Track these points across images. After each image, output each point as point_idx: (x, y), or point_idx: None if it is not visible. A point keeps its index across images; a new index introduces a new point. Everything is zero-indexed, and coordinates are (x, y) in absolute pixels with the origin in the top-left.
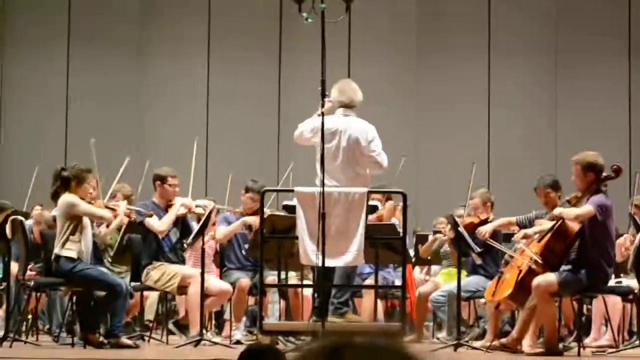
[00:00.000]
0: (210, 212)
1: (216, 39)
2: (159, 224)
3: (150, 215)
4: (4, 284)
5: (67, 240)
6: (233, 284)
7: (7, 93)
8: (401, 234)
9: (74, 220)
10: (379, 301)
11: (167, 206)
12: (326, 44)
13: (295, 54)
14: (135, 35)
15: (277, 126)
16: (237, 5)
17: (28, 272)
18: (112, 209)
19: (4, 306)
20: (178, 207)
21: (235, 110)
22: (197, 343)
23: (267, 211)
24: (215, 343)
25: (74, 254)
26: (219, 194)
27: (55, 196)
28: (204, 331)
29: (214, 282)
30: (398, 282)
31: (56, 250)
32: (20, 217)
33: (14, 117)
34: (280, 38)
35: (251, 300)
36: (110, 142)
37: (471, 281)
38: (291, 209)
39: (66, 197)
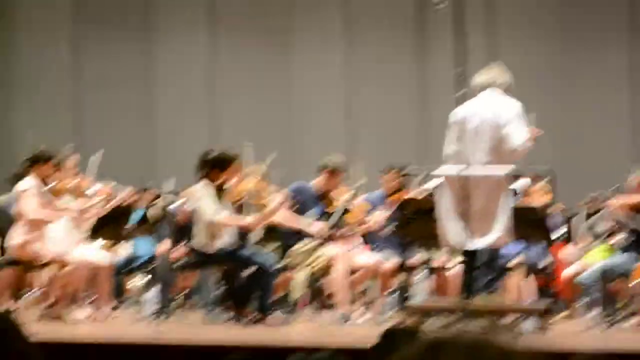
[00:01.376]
0: (346, 208)
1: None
2: (280, 216)
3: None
4: (155, 262)
5: (205, 230)
6: (380, 263)
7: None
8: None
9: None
10: (527, 280)
11: (324, 195)
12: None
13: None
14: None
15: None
16: None
17: (177, 252)
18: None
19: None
20: (301, 228)
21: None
22: (344, 321)
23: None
24: (362, 322)
25: (212, 249)
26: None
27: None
28: (351, 309)
29: (360, 257)
30: (545, 262)
31: (195, 244)
32: (167, 199)
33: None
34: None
35: (399, 279)
36: None
37: (622, 259)
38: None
39: (198, 187)
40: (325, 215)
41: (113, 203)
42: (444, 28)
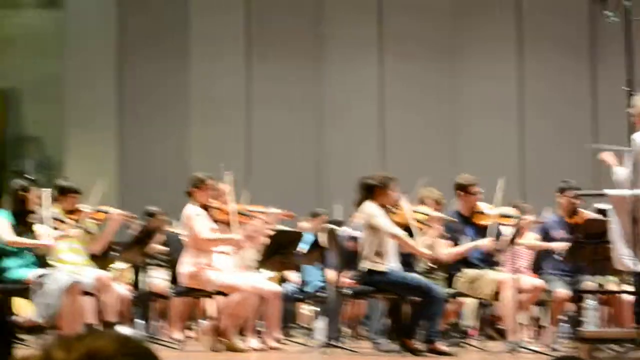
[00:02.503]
0: (519, 222)
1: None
2: (445, 253)
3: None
4: (324, 291)
5: (373, 253)
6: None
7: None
8: None
9: (375, 231)
10: None
11: (472, 215)
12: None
13: None
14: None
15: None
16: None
17: (345, 280)
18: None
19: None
20: (472, 246)
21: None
22: (513, 349)
23: (585, 214)
24: (533, 350)
25: (383, 268)
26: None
27: (359, 205)
28: (521, 337)
29: (526, 280)
30: None
31: (365, 265)
32: (334, 226)
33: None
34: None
35: (570, 306)
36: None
37: None
38: (605, 212)
39: (366, 206)
40: (480, 234)
41: (279, 228)
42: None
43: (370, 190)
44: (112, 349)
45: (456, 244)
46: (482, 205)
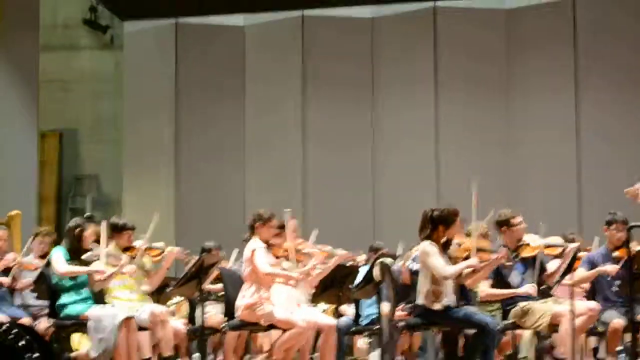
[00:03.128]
0: (577, 250)
1: None
2: (485, 293)
3: (507, 266)
4: (378, 324)
5: (428, 291)
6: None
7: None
8: None
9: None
10: None
11: (517, 247)
12: None
13: None
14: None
15: None
16: None
17: (399, 313)
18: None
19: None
20: (512, 294)
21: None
22: None
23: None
24: None
25: (437, 307)
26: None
27: (423, 239)
28: None
29: (580, 305)
30: None
31: (419, 301)
32: (387, 260)
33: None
34: None
35: (627, 338)
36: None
37: None
38: None
39: (422, 245)
40: (528, 267)
41: (332, 263)
42: None
43: (433, 224)
44: None
45: (500, 281)
46: (527, 237)
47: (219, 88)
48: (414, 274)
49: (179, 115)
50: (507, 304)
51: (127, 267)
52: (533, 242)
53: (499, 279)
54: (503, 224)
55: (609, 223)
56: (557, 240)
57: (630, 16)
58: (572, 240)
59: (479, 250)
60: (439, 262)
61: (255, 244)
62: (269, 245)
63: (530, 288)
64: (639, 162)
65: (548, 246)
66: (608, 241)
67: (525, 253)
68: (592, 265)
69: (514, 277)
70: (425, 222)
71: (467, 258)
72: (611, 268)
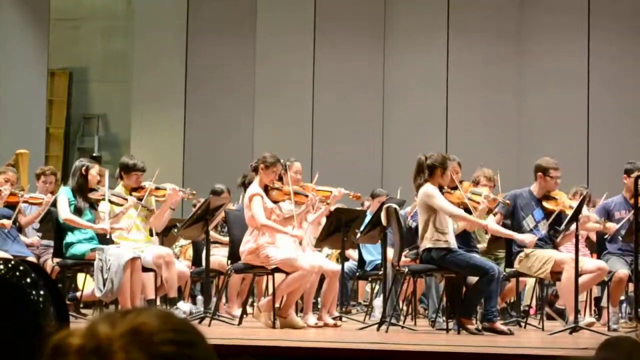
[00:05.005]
0: (583, 198)
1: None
2: (492, 227)
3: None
4: (382, 270)
5: (434, 231)
6: (611, 271)
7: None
8: None
9: (433, 212)
10: None
11: (543, 197)
12: None
13: None
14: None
15: None
16: None
17: (403, 259)
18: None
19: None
20: (512, 237)
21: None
22: (572, 330)
23: None
24: (592, 330)
25: (444, 245)
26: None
27: (418, 183)
28: (581, 317)
29: (588, 262)
30: None
31: (425, 244)
32: (394, 205)
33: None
34: None
35: (631, 287)
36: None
37: None
38: None
39: (425, 188)
40: (546, 218)
41: (332, 199)
42: None
43: (429, 170)
44: (155, 325)
45: (514, 220)
46: (557, 192)
47: (230, 30)
48: (415, 230)
49: (189, 56)
50: (515, 249)
51: (131, 209)
52: (561, 198)
53: (513, 218)
54: (541, 170)
55: (628, 172)
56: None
57: None
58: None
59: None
60: (445, 202)
61: (254, 189)
62: (271, 189)
63: (527, 237)
64: None
65: (570, 207)
66: (626, 189)
67: (549, 205)
68: (606, 213)
69: (529, 221)
70: (420, 168)
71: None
72: (610, 227)
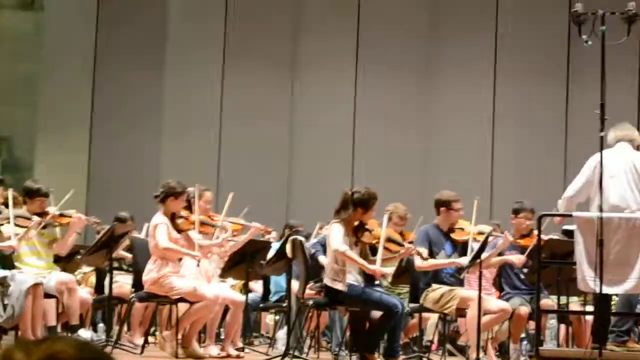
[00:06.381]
0: (487, 236)
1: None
2: (422, 266)
3: (424, 258)
4: (286, 302)
5: (333, 270)
6: (513, 309)
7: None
8: None
9: None
10: None
11: (450, 230)
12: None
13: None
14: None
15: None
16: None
17: (308, 291)
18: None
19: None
20: (448, 263)
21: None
22: None
23: (544, 236)
24: None
25: (340, 287)
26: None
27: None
28: (482, 354)
29: (493, 302)
30: None
31: (326, 281)
32: (300, 238)
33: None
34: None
35: (531, 324)
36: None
37: None
38: (571, 234)
39: (331, 224)
40: (455, 251)
41: (244, 239)
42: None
43: (354, 206)
44: (71, 353)
45: (432, 256)
46: (462, 222)
47: (139, 55)
48: (311, 257)
49: (97, 81)
50: (423, 285)
51: (33, 231)
52: (467, 227)
53: (429, 255)
54: (443, 205)
55: (516, 211)
56: (488, 228)
57: (548, 4)
58: (501, 231)
59: (389, 240)
60: (337, 237)
61: (159, 219)
62: (177, 218)
63: (462, 259)
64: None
65: (479, 233)
66: (515, 229)
67: (458, 236)
68: (499, 253)
69: (441, 256)
70: (345, 202)
71: (374, 245)
72: (517, 259)
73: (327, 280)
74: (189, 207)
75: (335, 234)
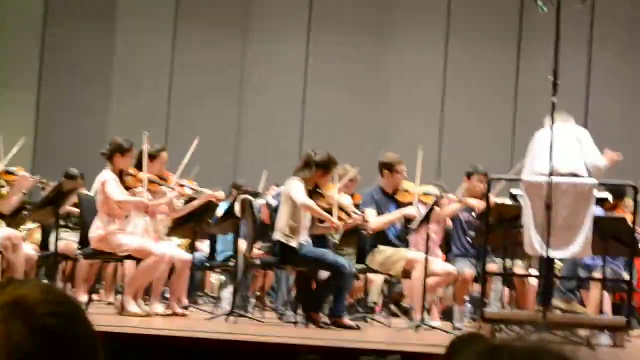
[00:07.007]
0: (436, 200)
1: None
2: (374, 222)
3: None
4: (233, 260)
5: (287, 226)
6: (458, 272)
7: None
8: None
9: (293, 204)
10: (606, 294)
11: (395, 192)
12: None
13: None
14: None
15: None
16: None
17: (256, 251)
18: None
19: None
20: (399, 215)
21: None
22: (417, 327)
23: (494, 199)
24: (436, 328)
25: (294, 244)
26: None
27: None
28: (426, 316)
29: (438, 264)
30: (626, 276)
31: (277, 236)
32: (249, 197)
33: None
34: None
35: (476, 287)
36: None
37: None
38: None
39: (290, 180)
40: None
41: (193, 204)
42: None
43: (311, 167)
44: (36, 297)
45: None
46: (406, 184)
47: (89, 13)
48: (274, 210)
49: (46, 38)
50: (368, 246)
51: None
52: (411, 188)
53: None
54: (387, 167)
55: (469, 174)
56: (434, 190)
57: None
58: (445, 191)
59: (341, 208)
60: (301, 192)
61: (107, 175)
62: (126, 175)
63: (412, 209)
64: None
65: (425, 194)
66: (467, 192)
67: (403, 198)
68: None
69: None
70: (307, 162)
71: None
72: (477, 203)
73: (279, 237)
74: (140, 168)
75: (299, 189)
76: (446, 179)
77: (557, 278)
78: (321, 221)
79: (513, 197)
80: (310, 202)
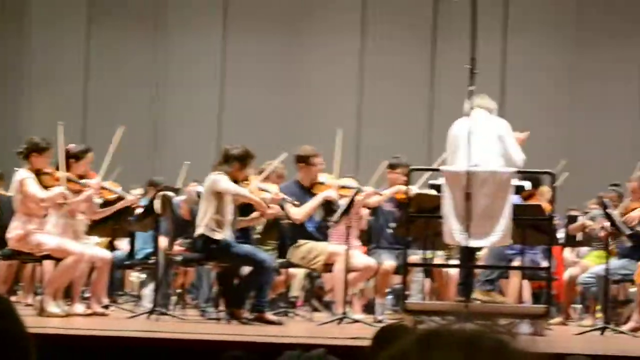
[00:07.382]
0: (356, 192)
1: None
2: (297, 213)
3: (295, 205)
4: (154, 258)
5: (212, 220)
6: (378, 264)
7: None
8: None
9: (218, 198)
10: (525, 283)
11: (312, 185)
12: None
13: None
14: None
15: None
16: None
17: (176, 247)
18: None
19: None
20: (321, 199)
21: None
22: (340, 320)
23: (413, 189)
24: (358, 321)
25: (219, 237)
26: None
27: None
28: (348, 309)
29: (359, 258)
30: (545, 264)
31: (200, 230)
32: (169, 193)
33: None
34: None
35: (397, 279)
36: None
37: (621, 264)
38: (438, 188)
39: (213, 175)
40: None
41: (112, 208)
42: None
43: (230, 161)
44: None
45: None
46: (322, 177)
47: (1, 16)
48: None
49: None
50: (289, 241)
51: None
52: (328, 181)
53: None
54: (302, 160)
55: (392, 166)
56: (350, 182)
57: None
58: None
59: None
60: (231, 184)
61: (24, 174)
62: (42, 174)
63: (332, 192)
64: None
65: (342, 187)
66: (390, 183)
67: (319, 191)
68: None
69: None
70: (225, 157)
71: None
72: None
73: (204, 230)
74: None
75: (227, 181)
76: (364, 165)
77: (477, 268)
78: (242, 215)
79: (433, 187)
80: (244, 191)
